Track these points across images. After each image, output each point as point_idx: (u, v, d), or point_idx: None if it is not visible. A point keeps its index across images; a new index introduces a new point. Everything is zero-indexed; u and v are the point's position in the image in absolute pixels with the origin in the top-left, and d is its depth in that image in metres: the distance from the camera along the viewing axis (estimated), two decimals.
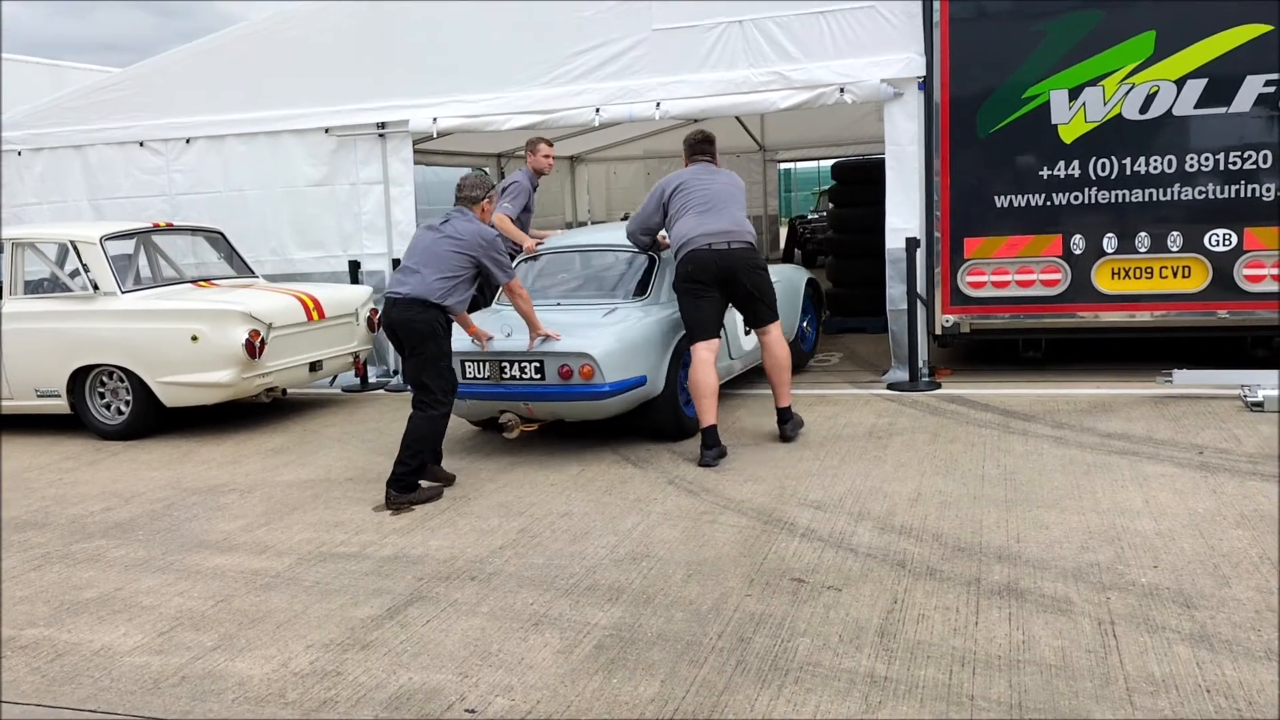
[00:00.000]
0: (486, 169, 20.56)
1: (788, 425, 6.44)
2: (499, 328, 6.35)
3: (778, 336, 6.41)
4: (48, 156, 10.06)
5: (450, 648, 3.76)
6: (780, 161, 22.10)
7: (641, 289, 6.85)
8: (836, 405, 7.39)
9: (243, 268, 8.69)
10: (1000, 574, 4.12)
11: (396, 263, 9.04)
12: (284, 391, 7.99)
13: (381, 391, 8.99)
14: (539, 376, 6.15)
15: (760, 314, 6.36)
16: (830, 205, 11.43)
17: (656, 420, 6.51)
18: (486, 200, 5.84)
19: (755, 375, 8.02)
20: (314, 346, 7.92)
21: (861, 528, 4.75)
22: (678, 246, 6.26)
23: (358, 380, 9.02)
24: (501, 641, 3.78)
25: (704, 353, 6.12)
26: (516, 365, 6.17)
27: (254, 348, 7.24)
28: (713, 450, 5.99)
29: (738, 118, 16.72)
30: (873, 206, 10.83)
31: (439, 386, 5.63)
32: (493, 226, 6.09)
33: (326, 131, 9.23)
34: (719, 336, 6.28)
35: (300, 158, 9.35)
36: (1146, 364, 7.79)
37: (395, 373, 9.28)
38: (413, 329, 5.55)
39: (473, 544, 4.86)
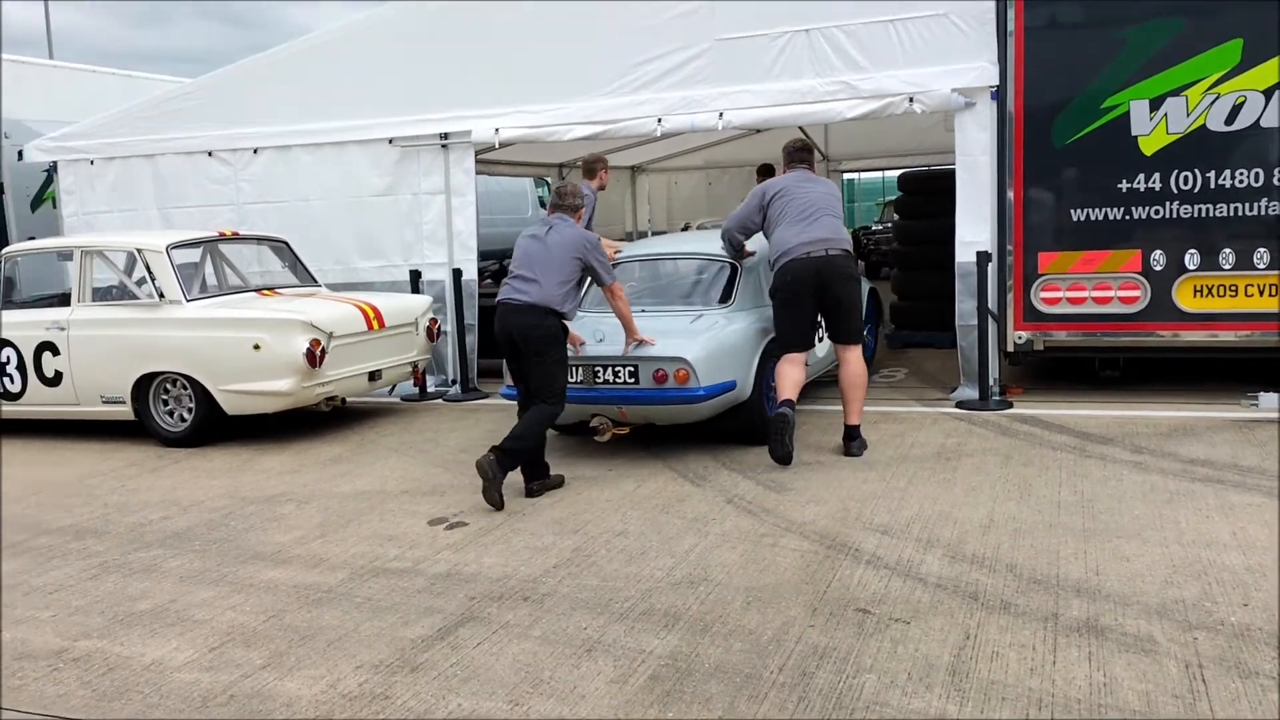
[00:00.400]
0: (548, 179, 20.64)
1: (854, 444, 6.41)
2: (590, 333, 6.44)
3: (858, 354, 6.45)
4: (119, 165, 10.22)
5: (501, 673, 3.65)
6: (844, 172, 21.82)
7: (725, 296, 6.99)
8: (903, 423, 7.18)
9: (306, 276, 8.72)
10: (1079, 609, 3.90)
11: (458, 272, 9.04)
12: (343, 400, 7.98)
13: (440, 401, 8.96)
14: (633, 381, 6.29)
15: (845, 328, 6.43)
16: (896, 216, 11.18)
17: (744, 423, 6.63)
18: (583, 208, 6.22)
19: (820, 389, 7.85)
20: (374, 356, 7.91)
21: (931, 556, 4.56)
22: (776, 255, 6.40)
23: (416, 390, 9.00)
24: (554, 668, 3.67)
25: (793, 357, 6.38)
26: (610, 369, 6.31)
27: (314, 357, 7.24)
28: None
29: (801, 128, 16.57)
30: (939, 218, 10.59)
31: (562, 386, 5.88)
32: None
33: (390, 142, 9.24)
34: (808, 348, 6.51)
35: (364, 168, 9.38)
36: (1229, 386, 7.47)
37: (454, 382, 9.25)
38: (538, 335, 5.74)
39: (526, 562, 4.76)
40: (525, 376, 5.89)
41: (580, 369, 6.33)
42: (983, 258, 7.56)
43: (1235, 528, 4.70)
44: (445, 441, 7.36)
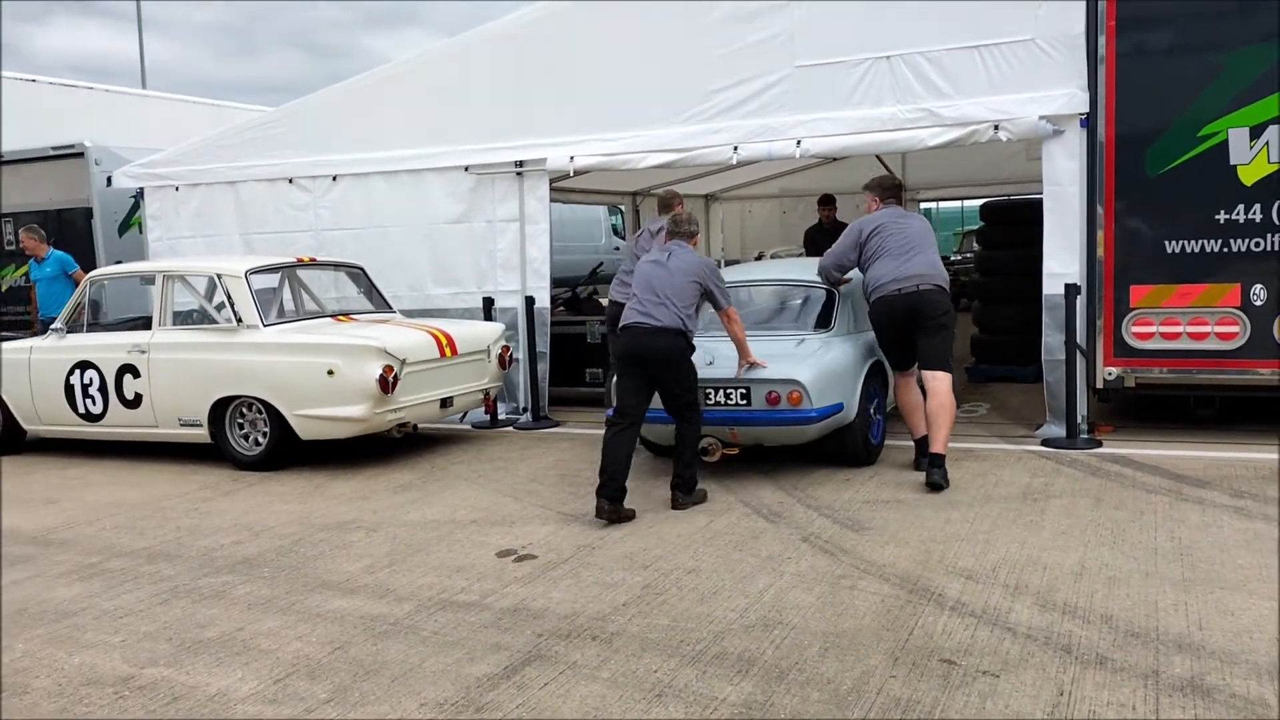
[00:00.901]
0: (621, 207, 20.67)
1: (937, 472, 6.24)
2: (700, 357, 6.39)
3: (948, 382, 6.46)
4: (203, 192, 10.42)
5: (568, 716, 3.52)
6: (922, 201, 21.49)
7: (824, 321, 7.13)
8: (986, 461, 6.92)
9: (381, 303, 8.76)
10: (1182, 666, 3.65)
11: (530, 300, 9.00)
12: (415, 427, 7.97)
13: (510, 429, 8.91)
14: (745, 402, 6.46)
15: (934, 357, 6.50)
16: (977, 247, 10.90)
17: (848, 445, 6.78)
18: (698, 234, 6.46)
19: (891, 423, 7.62)
20: (446, 383, 7.89)
21: (1019, 603, 4.33)
22: (871, 290, 6.65)
23: (487, 417, 8.97)
24: (622, 712, 3.53)
25: (904, 379, 6.73)
26: (722, 391, 6.47)
27: (387, 383, 7.23)
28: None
29: (878, 156, 16.34)
30: (1022, 249, 10.32)
31: (696, 393, 6.16)
32: None
33: (466, 169, 9.28)
34: (914, 366, 6.72)
35: (440, 195, 9.43)
36: None
37: (524, 410, 9.20)
38: (670, 355, 5.97)
39: (595, 599, 4.63)
40: (631, 399, 5.99)
41: None
42: (1071, 290, 7.29)
43: None
44: (515, 470, 7.29)
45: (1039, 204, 10.40)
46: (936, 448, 6.31)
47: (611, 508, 5.79)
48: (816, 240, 11.13)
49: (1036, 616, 4.18)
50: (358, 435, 7.50)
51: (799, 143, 8.05)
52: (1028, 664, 3.74)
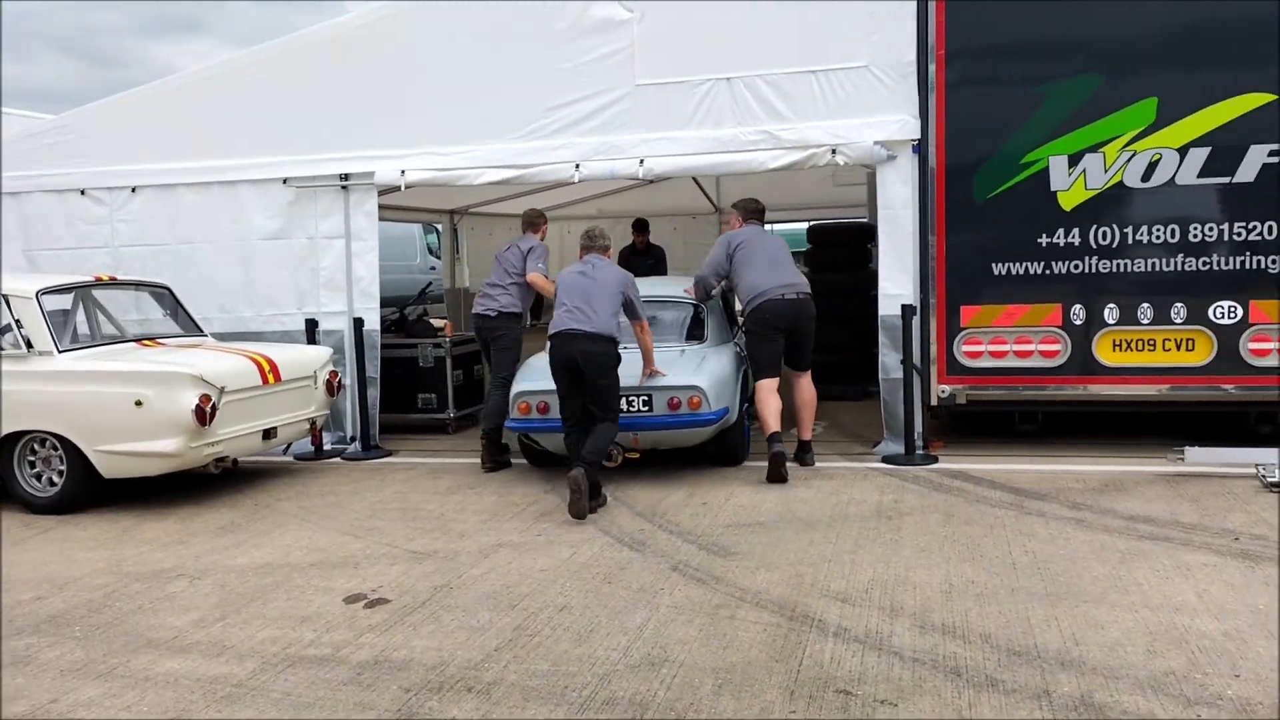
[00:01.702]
0: (438, 226, 20.10)
1: (808, 455, 7.40)
2: None
3: (809, 379, 7.55)
4: None
5: None
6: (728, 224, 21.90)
7: (697, 334, 7.71)
8: (834, 479, 6.97)
9: (190, 325, 8.07)
10: (1070, 685, 3.68)
11: (359, 322, 8.52)
12: (235, 461, 7.34)
13: (338, 460, 8.38)
14: (647, 408, 6.89)
15: (804, 357, 7.50)
16: (805, 269, 11.14)
17: (729, 445, 7.37)
18: (609, 248, 6.92)
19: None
20: (269, 412, 7.32)
21: (899, 626, 4.30)
22: (751, 296, 7.26)
23: (312, 448, 8.40)
24: None
25: (768, 384, 7.19)
26: (624, 399, 6.74)
27: (204, 414, 6.62)
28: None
29: (695, 179, 16.55)
30: (849, 271, 10.65)
31: (618, 404, 6.54)
32: (529, 284, 7.87)
33: (284, 182, 8.70)
34: (779, 375, 7.29)
35: (256, 209, 8.80)
36: (1147, 439, 7.53)
37: (353, 439, 8.68)
38: (601, 360, 6.36)
39: (463, 644, 4.31)
40: (575, 404, 6.45)
41: None
42: (908, 310, 7.48)
43: (1199, 590, 4.59)
44: (351, 505, 6.81)
45: (864, 227, 10.85)
46: (805, 436, 7.45)
47: (571, 480, 6.10)
48: (630, 261, 11.40)
49: (918, 639, 4.16)
50: (170, 472, 6.83)
51: (642, 162, 7.94)
52: (922, 690, 3.69)
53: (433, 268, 21.74)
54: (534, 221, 8.20)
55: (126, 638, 4.57)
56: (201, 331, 8.10)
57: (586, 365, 6.30)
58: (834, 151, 7.63)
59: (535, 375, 7.05)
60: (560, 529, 6.00)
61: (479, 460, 7.74)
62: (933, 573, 4.97)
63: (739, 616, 4.49)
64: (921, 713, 3.52)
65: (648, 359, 6.89)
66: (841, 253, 10.63)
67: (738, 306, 8.20)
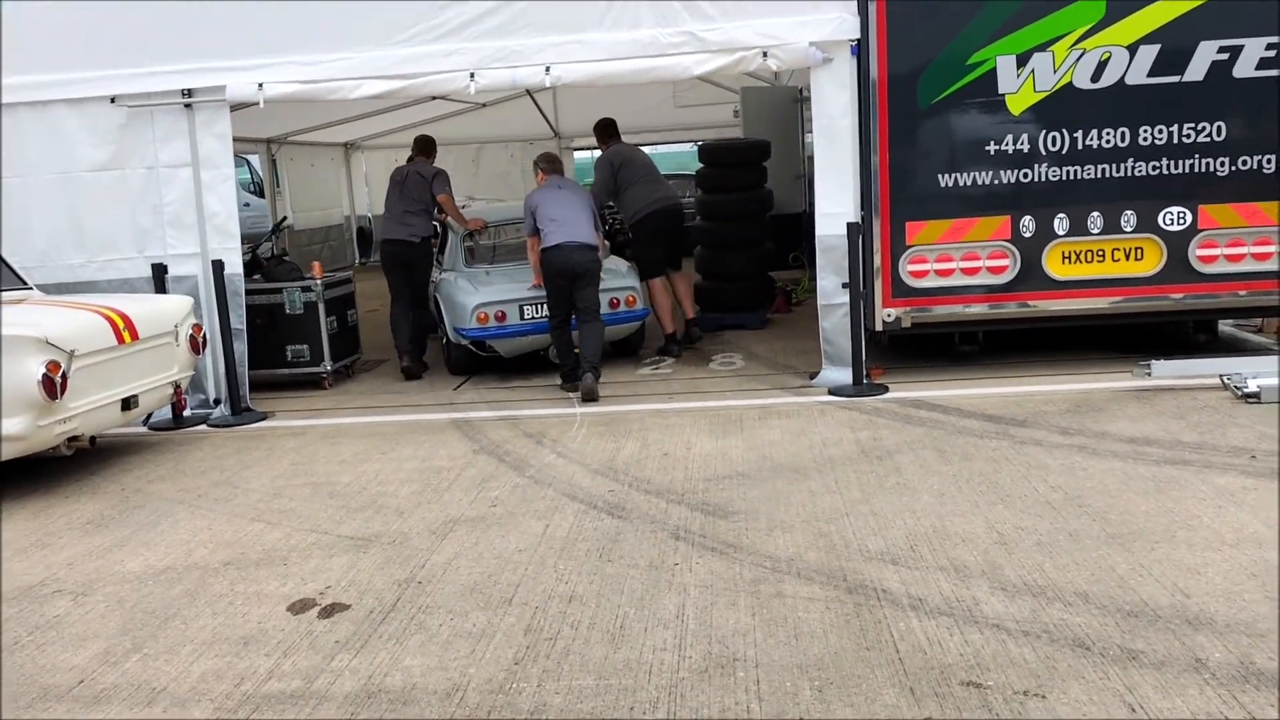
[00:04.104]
0: (248, 158, 18.23)
1: (696, 329, 8.93)
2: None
3: (686, 272, 9.04)
4: None
5: None
6: (576, 149, 20.96)
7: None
8: (790, 417, 6.37)
9: (11, 278, 6.64)
10: (1217, 650, 3.19)
11: (219, 264, 7.25)
12: (93, 440, 6.06)
13: (204, 428, 7.17)
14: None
15: (679, 259, 8.85)
16: (699, 191, 10.42)
17: (638, 339, 8.59)
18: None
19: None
20: (127, 377, 6.10)
21: (978, 591, 3.73)
22: (640, 207, 8.49)
23: (172, 416, 7.14)
24: None
25: (660, 282, 8.52)
26: None
27: (54, 384, 5.38)
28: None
29: (532, 96, 15.48)
30: (744, 191, 10.00)
31: (599, 308, 7.47)
32: (440, 208, 8.43)
33: (113, 101, 7.26)
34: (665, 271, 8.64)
35: (79, 135, 7.33)
36: (1085, 353, 7.31)
37: (216, 402, 7.47)
38: (594, 268, 7.29)
39: (472, 659, 3.46)
40: (566, 306, 7.30)
41: (546, 305, 7.55)
42: (853, 229, 6.89)
43: (1264, 518, 4.23)
44: (245, 484, 5.72)
45: (759, 144, 10.20)
46: (691, 315, 8.98)
47: (585, 385, 7.06)
48: None
49: (1010, 605, 3.60)
50: (13, 459, 5.55)
51: (548, 69, 6.98)
52: (1058, 673, 3.12)
53: (246, 204, 19.78)
54: (427, 148, 8.63)
55: (16, 685, 3.48)
56: (25, 284, 6.69)
57: (582, 272, 7.15)
58: (765, 55, 6.90)
59: (487, 289, 7.86)
60: (515, 497, 5.15)
61: (375, 418, 6.87)
62: (970, 520, 4.43)
63: (787, 593, 3.81)
64: (1077, 702, 2.95)
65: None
66: (736, 173, 9.95)
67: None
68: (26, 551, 4.86)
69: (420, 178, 8.35)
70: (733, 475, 5.28)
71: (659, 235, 8.46)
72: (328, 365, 8.16)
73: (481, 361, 8.09)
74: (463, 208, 8.93)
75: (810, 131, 12.22)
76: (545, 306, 7.53)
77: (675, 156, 34.13)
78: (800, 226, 12.79)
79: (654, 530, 4.56)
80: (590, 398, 7.01)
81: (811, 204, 12.64)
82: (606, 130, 8.83)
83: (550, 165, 7.69)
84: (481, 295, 7.75)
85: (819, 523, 4.52)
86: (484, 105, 16.05)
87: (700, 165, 10.38)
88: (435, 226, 8.73)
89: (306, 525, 4.95)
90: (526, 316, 7.73)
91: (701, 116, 17.78)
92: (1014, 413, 6.11)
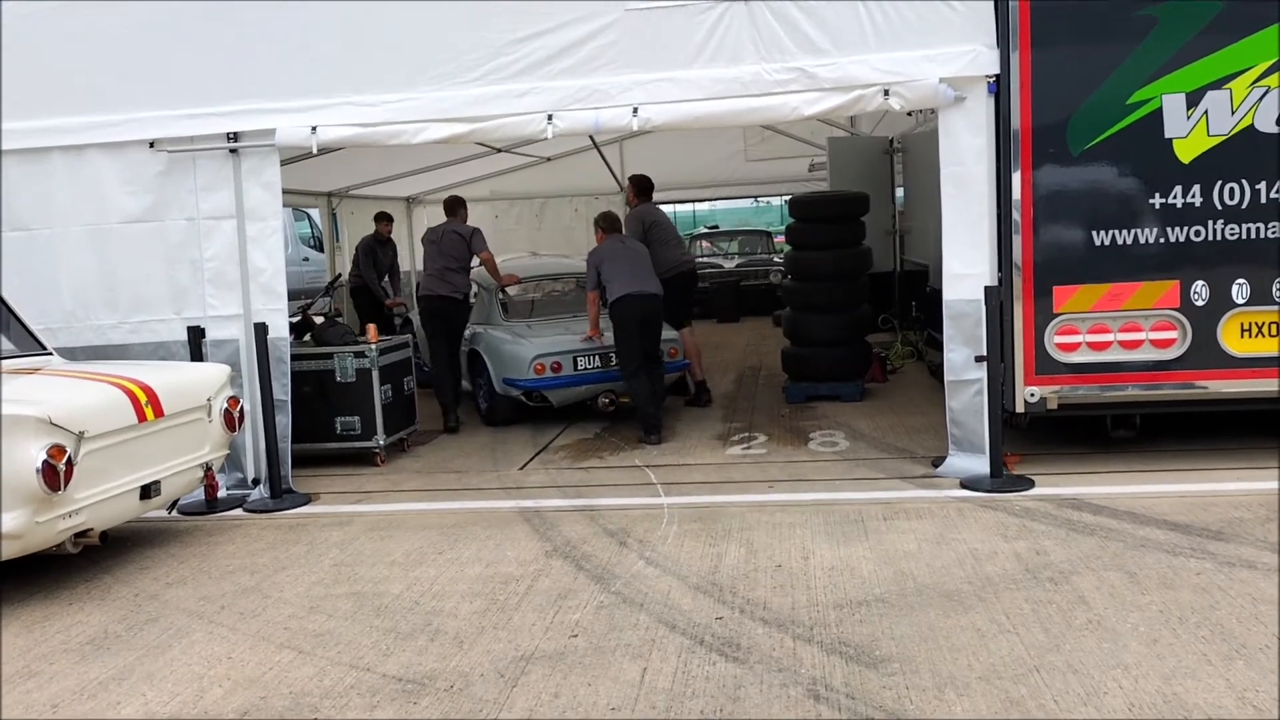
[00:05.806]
0: (309, 211, 17.67)
1: (705, 395, 8.91)
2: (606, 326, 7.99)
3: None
4: None
5: None
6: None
7: None
8: (920, 517, 5.34)
9: (28, 341, 5.87)
10: None
11: (262, 328, 6.44)
12: (103, 537, 5.18)
13: (240, 512, 6.30)
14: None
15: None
16: (789, 247, 9.50)
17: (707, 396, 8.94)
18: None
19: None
20: (148, 460, 5.25)
21: None
22: (665, 269, 8.35)
23: (203, 499, 6.28)
24: None
25: (686, 332, 8.79)
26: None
27: (56, 473, 4.53)
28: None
29: (598, 148, 14.68)
30: (838, 250, 9.05)
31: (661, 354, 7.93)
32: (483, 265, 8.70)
33: (152, 145, 6.53)
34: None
35: (113, 182, 6.60)
36: (1251, 440, 6.20)
37: (255, 482, 6.61)
38: (661, 317, 7.72)
39: None
40: (640, 352, 7.55)
41: (597, 356, 8.05)
42: (991, 294, 5.89)
43: None
44: (277, 592, 4.81)
45: (856, 197, 9.25)
46: (699, 377, 8.96)
47: (657, 437, 7.44)
48: (375, 252, 11.69)
49: None
50: (9, 559, 4.70)
51: (636, 110, 6.12)
52: None
53: (306, 259, 19.23)
54: (457, 208, 8.81)
55: None
56: (44, 348, 5.92)
57: (655, 322, 7.61)
58: (887, 92, 5.97)
59: (541, 340, 8.17)
60: (600, 622, 4.17)
61: (432, 505, 5.95)
62: (1208, 683, 3.36)
63: None
64: None
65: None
66: (832, 229, 9.01)
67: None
68: (10, 682, 3.97)
69: (457, 236, 8.53)
70: (869, 600, 4.26)
71: (684, 295, 8.83)
72: (381, 439, 7.28)
73: (526, 412, 8.35)
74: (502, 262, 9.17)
75: (901, 185, 11.40)
76: (595, 358, 7.98)
77: (738, 213, 33.19)
78: (891, 287, 11.85)
79: (784, 683, 3.54)
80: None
81: (901, 262, 11.88)
82: (644, 187, 9.02)
83: (610, 225, 7.99)
84: (538, 347, 8.05)
85: (1002, 681, 3.47)
86: (549, 159, 15.39)
87: (791, 220, 9.44)
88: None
89: (346, 657, 4.01)
90: (580, 367, 8.04)
91: (773, 170, 16.87)
92: (1202, 519, 5.02)
